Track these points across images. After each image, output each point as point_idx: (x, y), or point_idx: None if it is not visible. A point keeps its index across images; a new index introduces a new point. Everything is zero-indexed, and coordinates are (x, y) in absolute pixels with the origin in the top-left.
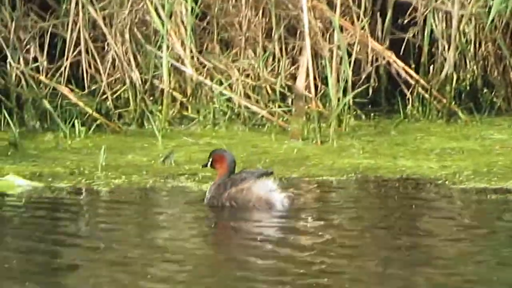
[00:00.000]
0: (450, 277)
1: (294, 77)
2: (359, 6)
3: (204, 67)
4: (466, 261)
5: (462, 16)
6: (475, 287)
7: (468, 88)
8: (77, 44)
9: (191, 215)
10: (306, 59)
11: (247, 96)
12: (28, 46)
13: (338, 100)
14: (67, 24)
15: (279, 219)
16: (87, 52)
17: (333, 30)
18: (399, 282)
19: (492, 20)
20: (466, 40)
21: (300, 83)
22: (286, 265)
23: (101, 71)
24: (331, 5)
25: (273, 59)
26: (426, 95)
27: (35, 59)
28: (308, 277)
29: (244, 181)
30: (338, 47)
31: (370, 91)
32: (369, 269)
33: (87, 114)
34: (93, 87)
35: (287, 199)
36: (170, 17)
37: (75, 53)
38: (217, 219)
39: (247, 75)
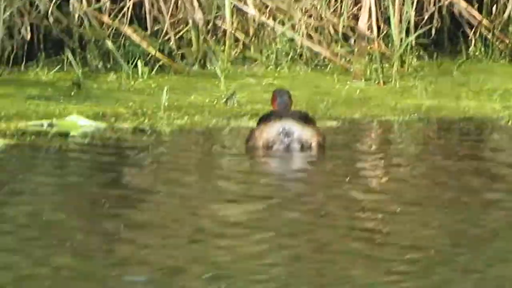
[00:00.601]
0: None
1: (356, 18)
2: None
3: (266, 7)
4: None
5: None
6: None
7: None
8: None
9: (252, 156)
10: None
11: (310, 37)
12: None
13: (401, 40)
14: None
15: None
16: None
17: None
18: (461, 225)
19: None
20: None
21: (363, 24)
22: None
23: (164, 12)
24: None
25: (336, 0)
26: (489, 36)
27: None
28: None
29: (264, 121)
30: None
31: (433, 31)
32: (429, 213)
33: (150, 55)
34: (156, 28)
35: (296, 144)
36: None
37: None
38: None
39: (310, 16)
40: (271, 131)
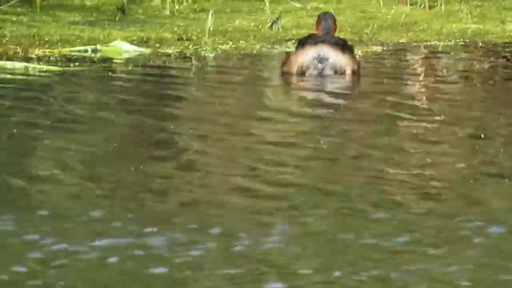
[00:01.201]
0: None
1: None
2: None
3: None
4: None
5: None
6: None
7: None
8: None
9: (296, 83)
10: None
11: None
12: None
13: None
14: None
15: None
16: None
17: None
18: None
19: None
20: None
21: None
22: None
23: None
24: None
25: None
26: None
27: None
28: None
29: (301, 46)
30: None
31: None
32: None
33: None
34: None
35: (329, 68)
36: None
37: None
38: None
39: None
40: (306, 55)
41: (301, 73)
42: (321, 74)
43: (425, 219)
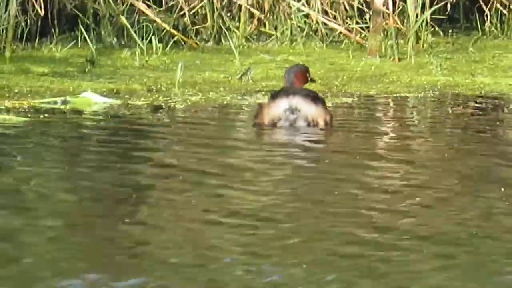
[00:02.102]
0: None
1: None
2: None
3: None
4: None
5: None
6: None
7: None
8: None
9: (266, 134)
10: None
11: (325, 12)
12: None
13: (416, 16)
14: None
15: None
16: None
17: None
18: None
19: None
20: None
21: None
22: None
23: None
24: None
25: None
26: (505, 11)
27: None
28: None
29: (273, 98)
30: None
31: (448, 7)
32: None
33: (164, 31)
34: (171, 3)
35: (299, 120)
36: None
37: None
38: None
39: None
40: (277, 107)
41: (273, 125)
42: (293, 126)
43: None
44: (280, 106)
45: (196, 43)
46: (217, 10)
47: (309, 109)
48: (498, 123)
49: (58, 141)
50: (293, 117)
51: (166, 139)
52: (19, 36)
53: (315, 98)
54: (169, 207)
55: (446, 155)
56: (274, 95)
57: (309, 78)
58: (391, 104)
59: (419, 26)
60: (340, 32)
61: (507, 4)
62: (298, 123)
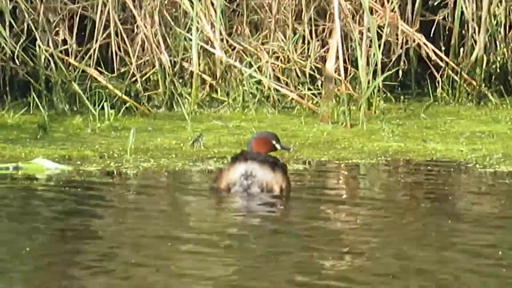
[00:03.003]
0: (478, 261)
1: (323, 60)
2: None
3: (233, 49)
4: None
5: None
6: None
7: (498, 70)
8: (107, 26)
9: (219, 200)
10: (335, 41)
11: (277, 79)
12: (57, 29)
13: (368, 82)
14: (97, 6)
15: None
16: (116, 34)
17: (363, 12)
18: (424, 263)
19: None
20: (497, 23)
21: (330, 66)
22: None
23: (131, 54)
24: None
25: (303, 42)
26: (456, 78)
27: (65, 42)
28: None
29: (233, 161)
30: (368, 30)
31: (400, 73)
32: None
33: (116, 97)
34: (123, 70)
35: (257, 187)
36: None
37: (104, 35)
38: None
39: (277, 58)
40: (234, 172)
41: (228, 190)
42: (247, 191)
43: None
44: (237, 171)
45: (148, 109)
46: (169, 76)
47: (264, 176)
48: (448, 188)
49: (9, 208)
50: (247, 183)
51: (117, 206)
52: None
53: (273, 164)
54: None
55: (397, 220)
56: (234, 159)
57: (275, 146)
58: (343, 171)
59: (371, 93)
60: (292, 99)
61: (459, 70)
62: (252, 189)
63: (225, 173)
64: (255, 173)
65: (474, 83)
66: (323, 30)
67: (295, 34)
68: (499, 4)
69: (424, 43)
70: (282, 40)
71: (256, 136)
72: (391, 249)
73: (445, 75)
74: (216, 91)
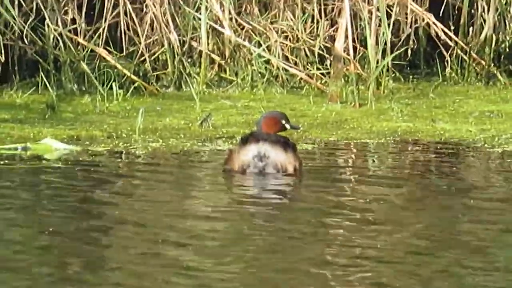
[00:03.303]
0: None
1: (332, 39)
2: None
3: (242, 28)
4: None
5: None
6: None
7: (507, 50)
8: (116, 5)
9: (228, 180)
10: (345, 20)
11: (286, 58)
12: (66, 8)
13: (377, 62)
14: None
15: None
16: (125, 13)
17: None
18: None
19: None
20: (506, 1)
21: (339, 45)
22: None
23: (139, 33)
24: None
25: (312, 21)
26: (465, 57)
27: (73, 21)
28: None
29: (242, 143)
30: (377, 9)
31: (409, 53)
32: (398, 239)
33: (125, 77)
34: (131, 49)
35: (270, 167)
36: None
37: (113, 14)
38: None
39: (286, 37)
40: (246, 154)
41: (242, 171)
42: (262, 173)
43: None
44: (249, 153)
45: (157, 89)
46: (177, 56)
47: (278, 156)
48: (457, 169)
49: (19, 188)
50: (262, 164)
51: (125, 187)
52: None
53: (285, 144)
54: (125, 250)
55: (408, 201)
56: (244, 140)
57: (284, 125)
58: (352, 151)
59: (379, 72)
60: (301, 78)
61: (468, 50)
62: (267, 170)
63: (237, 155)
64: (268, 154)
65: (483, 62)
66: (332, 9)
67: (304, 13)
68: None
69: (433, 22)
70: (291, 20)
71: (265, 115)
72: (409, 226)
73: (454, 55)
74: (225, 71)
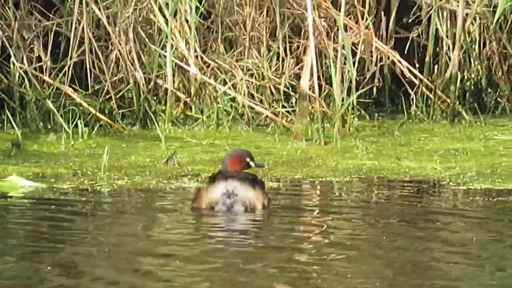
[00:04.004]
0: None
1: (298, 77)
2: (363, 5)
3: (208, 66)
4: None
5: (467, 15)
6: None
7: (472, 88)
8: (81, 43)
9: (194, 217)
10: (310, 58)
11: (251, 96)
12: (31, 45)
13: (342, 100)
14: (71, 23)
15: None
16: (90, 51)
17: (338, 29)
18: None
19: (497, 20)
20: (471, 40)
21: (304, 83)
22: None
23: (105, 71)
24: (335, 3)
25: (277, 59)
26: (430, 95)
27: (39, 59)
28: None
29: (212, 180)
30: (343, 47)
31: (374, 91)
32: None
33: (90, 114)
34: (97, 87)
35: (238, 206)
36: (174, 16)
37: (78, 52)
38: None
39: (251, 75)
40: (215, 191)
41: (211, 209)
42: (230, 210)
43: None
44: (218, 190)
45: (123, 127)
46: (143, 94)
47: (246, 194)
48: (421, 206)
49: None
50: (230, 201)
51: (90, 224)
52: None
53: (253, 182)
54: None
55: (370, 239)
56: (212, 178)
57: (249, 163)
58: (317, 188)
59: (345, 110)
60: (267, 116)
61: (433, 88)
62: (236, 208)
63: (205, 193)
64: (236, 192)
65: (448, 100)
66: (298, 47)
67: (269, 51)
68: (473, 22)
69: (399, 60)
70: (257, 57)
71: (230, 153)
72: (363, 265)
73: (419, 93)
74: (191, 109)
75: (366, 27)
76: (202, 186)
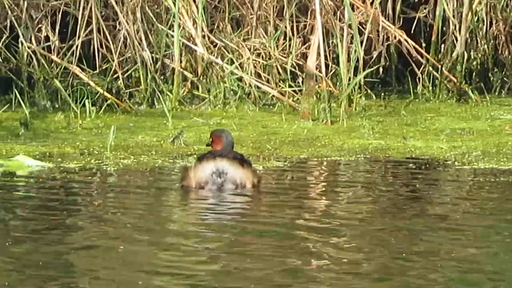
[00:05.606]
0: (449, 263)
1: (305, 56)
2: None
3: (215, 46)
4: (469, 247)
5: None
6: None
7: (478, 67)
8: (89, 23)
9: (198, 196)
10: (317, 38)
11: (258, 76)
12: (39, 25)
13: (349, 79)
14: (79, 3)
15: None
16: (98, 31)
17: (344, 9)
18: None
19: None
20: (478, 19)
21: (311, 62)
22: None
23: (113, 50)
24: None
25: (284, 38)
26: (437, 75)
27: (47, 38)
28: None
29: (199, 161)
30: (349, 26)
31: (381, 70)
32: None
33: (98, 94)
34: (104, 67)
35: (229, 184)
36: None
37: (86, 32)
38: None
39: (258, 54)
40: (204, 170)
41: (200, 187)
42: (220, 189)
43: None
44: (207, 169)
45: (130, 107)
46: (150, 73)
47: (235, 172)
48: (427, 186)
49: None
50: (220, 180)
51: (96, 203)
52: None
53: (242, 161)
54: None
55: (374, 218)
56: (201, 158)
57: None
58: (322, 168)
59: (351, 90)
60: (273, 96)
61: (439, 67)
62: (226, 186)
63: (195, 172)
64: (226, 170)
65: (455, 80)
66: (305, 26)
67: (276, 30)
68: (480, 1)
69: (405, 40)
70: (264, 37)
71: (229, 135)
72: (367, 248)
73: (425, 72)
74: (198, 88)
75: (373, 6)
76: (190, 165)
